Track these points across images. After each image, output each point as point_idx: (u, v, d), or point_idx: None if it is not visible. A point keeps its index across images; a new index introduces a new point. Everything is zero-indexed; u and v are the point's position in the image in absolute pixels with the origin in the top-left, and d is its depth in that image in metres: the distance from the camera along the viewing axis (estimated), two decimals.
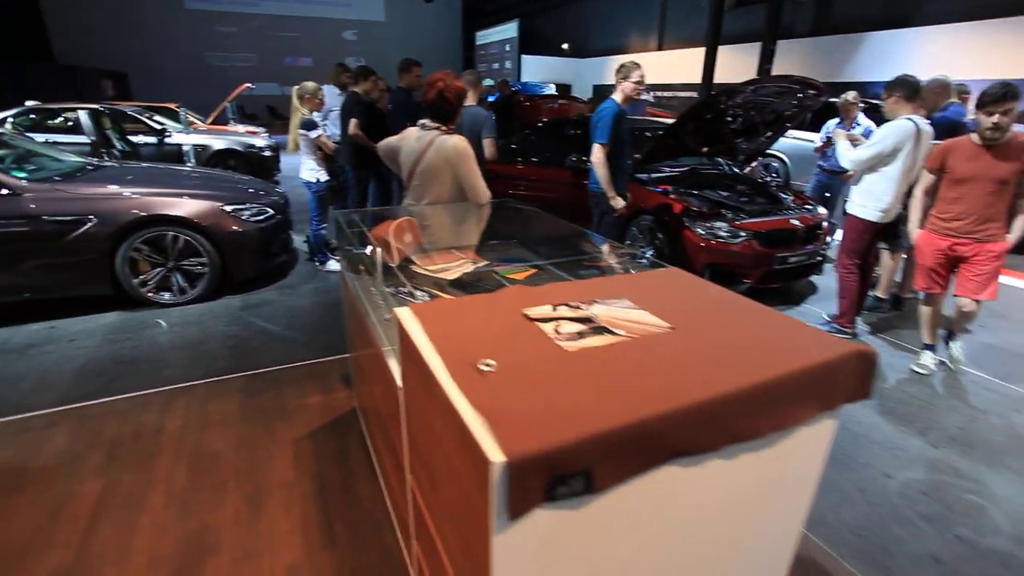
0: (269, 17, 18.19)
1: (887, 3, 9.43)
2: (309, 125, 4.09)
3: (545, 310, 1.20)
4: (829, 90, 4.33)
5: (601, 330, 1.12)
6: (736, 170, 5.06)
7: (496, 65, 19.50)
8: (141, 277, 3.65)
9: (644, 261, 2.50)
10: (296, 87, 4.16)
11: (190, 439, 2.36)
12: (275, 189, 4.74)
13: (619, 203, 3.54)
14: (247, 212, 3.95)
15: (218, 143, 7.95)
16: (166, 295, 3.75)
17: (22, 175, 3.50)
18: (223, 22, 17.63)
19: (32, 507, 1.96)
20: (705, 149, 4.86)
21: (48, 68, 12.99)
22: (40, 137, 6.20)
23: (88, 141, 6.32)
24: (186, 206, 3.69)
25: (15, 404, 2.59)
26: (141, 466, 2.18)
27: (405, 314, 1.16)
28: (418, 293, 1.67)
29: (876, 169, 3.15)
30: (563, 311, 1.20)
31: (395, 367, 1.53)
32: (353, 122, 4.43)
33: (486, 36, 20.18)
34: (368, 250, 1.97)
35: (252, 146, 8.18)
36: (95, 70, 13.58)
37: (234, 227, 3.85)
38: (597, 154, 3.45)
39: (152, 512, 1.94)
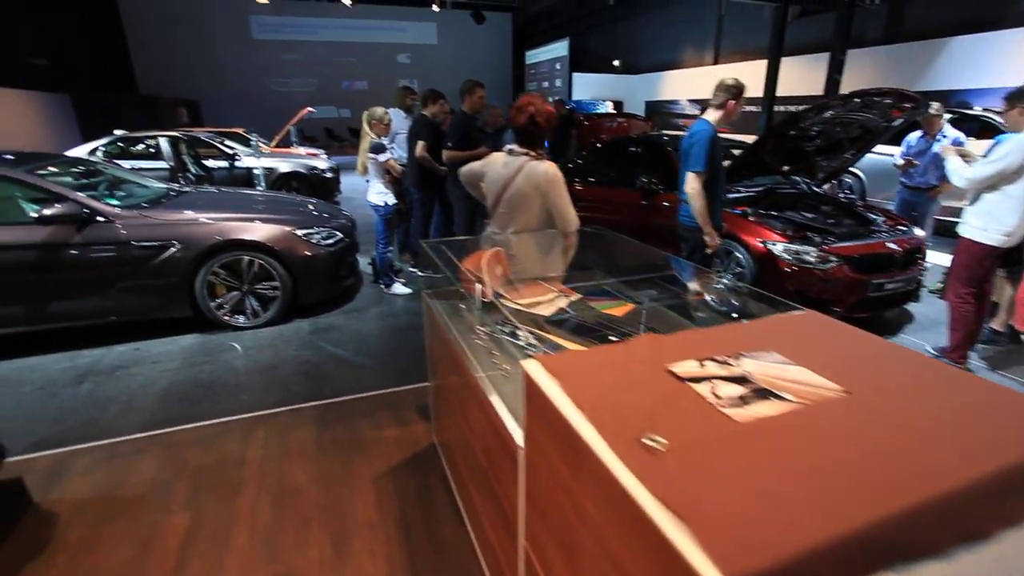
0: (328, 44, 19.01)
1: (970, 5, 8.80)
2: (378, 149, 4.12)
3: (691, 366, 1.05)
4: (925, 101, 3.99)
5: (765, 393, 0.97)
6: (815, 189, 4.75)
7: (546, 84, 19.56)
8: (217, 300, 3.74)
9: (720, 286, 2.32)
10: (365, 112, 4.21)
11: (271, 471, 2.32)
12: (342, 211, 4.80)
13: (715, 239, 3.10)
14: (317, 236, 4.00)
15: (284, 166, 8.25)
16: (241, 318, 3.82)
17: (114, 202, 3.67)
18: (286, 50, 18.54)
19: (123, 538, 1.96)
20: (785, 168, 4.59)
21: (132, 98, 14.01)
22: (125, 163, 6.60)
23: (167, 166, 6.69)
24: (261, 231, 3.76)
25: (105, 427, 2.65)
26: (225, 499, 2.16)
27: (535, 368, 1.05)
28: (520, 333, 1.56)
29: (998, 187, 2.84)
30: (712, 368, 1.05)
31: (499, 405, 1.42)
32: (421, 144, 4.44)
33: (536, 55, 20.31)
34: (463, 284, 1.88)
35: (315, 168, 8.44)
36: (172, 99, 14.53)
37: (305, 251, 3.90)
38: (692, 184, 2.99)
39: (238, 551, 1.90)
